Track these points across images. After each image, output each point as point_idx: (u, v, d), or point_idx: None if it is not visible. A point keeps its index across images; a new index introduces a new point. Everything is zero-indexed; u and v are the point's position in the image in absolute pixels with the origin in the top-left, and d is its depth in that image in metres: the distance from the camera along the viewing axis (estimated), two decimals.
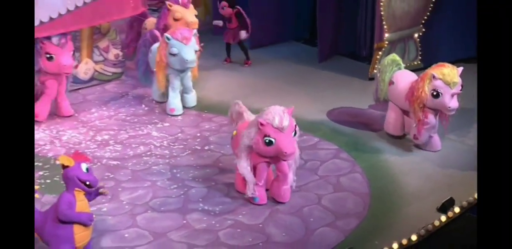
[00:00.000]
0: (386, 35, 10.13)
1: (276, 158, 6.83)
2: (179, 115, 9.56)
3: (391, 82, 8.32)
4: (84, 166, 5.84)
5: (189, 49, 9.11)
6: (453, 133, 8.70)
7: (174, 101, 9.51)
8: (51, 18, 8.95)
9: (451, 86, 7.64)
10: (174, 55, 9.03)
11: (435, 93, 7.69)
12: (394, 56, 8.55)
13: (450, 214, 6.99)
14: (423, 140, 8.14)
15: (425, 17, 10.37)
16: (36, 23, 8.76)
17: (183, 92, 9.64)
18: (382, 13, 9.94)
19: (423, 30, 10.44)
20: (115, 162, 8.12)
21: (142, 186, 7.60)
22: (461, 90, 7.84)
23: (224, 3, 10.80)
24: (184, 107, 9.57)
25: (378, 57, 10.17)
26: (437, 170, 7.98)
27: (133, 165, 8.02)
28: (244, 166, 6.94)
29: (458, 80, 7.68)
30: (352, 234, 6.81)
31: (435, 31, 10.47)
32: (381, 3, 9.87)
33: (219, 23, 11.10)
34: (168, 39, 9.00)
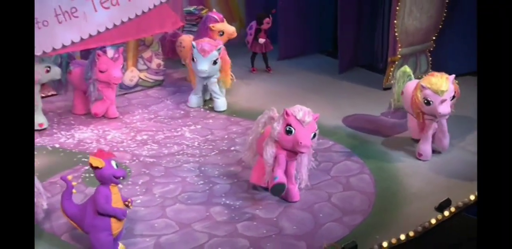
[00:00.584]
0: (400, 49, 10.05)
1: (293, 154, 6.87)
2: (192, 107, 9.80)
3: (402, 92, 8.35)
4: (114, 163, 5.88)
5: (204, 61, 9.20)
6: (456, 140, 8.58)
7: (191, 98, 9.82)
8: (98, 32, 9.05)
9: (439, 94, 7.58)
10: (194, 62, 9.27)
11: (426, 101, 7.68)
12: (405, 68, 8.52)
13: (446, 213, 6.96)
14: (424, 151, 8.11)
15: (436, 34, 10.30)
16: (86, 36, 8.96)
17: (212, 96, 9.77)
18: (396, 30, 9.86)
19: (434, 45, 10.37)
20: (151, 160, 8.19)
21: (173, 181, 7.68)
22: (454, 96, 7.78)
23: (269, 19, 10.85)
24: (214, 111, 9.70)
25: (392, 69, 10.10)
26: (438, 173, 7.91)
27: (167, 163, 8.10)
28: (269, 153, 6.91)
29: (446, 88, 7.60)
30: (356, 229, 6.79)
31: (445, 46, 10.35)
32: (395, 21, 9.81)
33: (262, 41, 11.07)
34: (194, 46, 9.20)
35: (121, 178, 5.94)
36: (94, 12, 8.96)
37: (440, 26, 10.22)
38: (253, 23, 11.10)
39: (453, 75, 7.82)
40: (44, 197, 6.61)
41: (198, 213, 7.05)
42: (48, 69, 8.78)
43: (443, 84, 7.69)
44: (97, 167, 5.86)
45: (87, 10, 8.92)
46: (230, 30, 10.22)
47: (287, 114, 6.65)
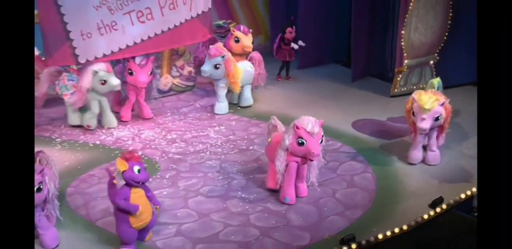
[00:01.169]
0: (406, 61, 10.00)
1: (304, 159, 6.90)
2: (218, 114, 9.76)
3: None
4: (136, 169, 5.95)
5: (208, 63, 9.39)
6: (453, 143, 8.57)
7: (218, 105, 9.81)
8: (135, 43, 9.19)
9: (422, 110, 7.50)
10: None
11: (412, 112, 7.71)
12: (435, 80, 8.40)
13: (438, 209, 6.94)
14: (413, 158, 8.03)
15: (439, 47, 10.22)
16: (123, 46, 9.12)
17: (217, 99, 9.83)
18: (402, 43, 9.83)
19: (437, 58, 10.29)
20: (178, 156, 8.33)
21: (196, 176, 7.80)
22: (438, 118, 7.60)
23: (291, 29, 10.79)
24: (237, 113, 9.84)
25: (398, 79, 10.09)
26: (434, 174, 7.85)
27: (192, 159, 8.24)
28: (281, 161, 6.97)
29: (428, 107, 7.46)
30: (356, 222, 6.83)
31: (447, 58, 10.29)
32: (402, 35, 9.80)
33: (295, 46, 10.97)
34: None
35: (141, 183, 6.04)
36: (131, 25, 9.11)
37: (443, 41, 10.21)
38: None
39: (445, 100, 7.66)
40: (57, 182, 6.65)
41: (216, 205, 7.16)
42: (103, 82, 8.75)
43: (428, 103, 7.55)
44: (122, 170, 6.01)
45: (125, 23, 9.06)
46: (246, 43, 10.19)
47: (297, 127, 6.72)
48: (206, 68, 9.39)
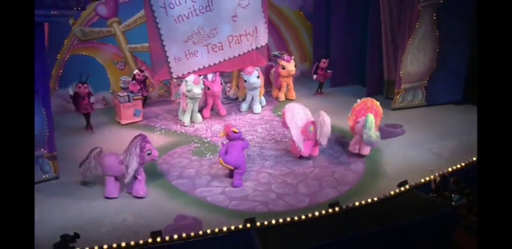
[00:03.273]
0: (403, 85, 9.99)
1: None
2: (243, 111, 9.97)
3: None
4: (233, 130, 7.32)
5: (250, 78, 9.69)
6: (426, 145, 8.52)
7: (243, 106, 10.08)
8: (209, 65, 9.75)
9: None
10: (245, 81, 9.84)
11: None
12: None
13: (402, 189, 7.06)
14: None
15: (429, 75, 10.09)
16: (202, 67, 9.67)
17: (254, 102, 10.00)
18: (401, 73, 9.87)
19: (427, 83, 10.15)
20: None
21: (248, 156, 8.00)
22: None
23: (325, 60, 10.69)
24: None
25: (397, 97, 10.10)
26: (408, 164, 7.89)
27: None
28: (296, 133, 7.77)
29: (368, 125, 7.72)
30: (343, 194, 7.19)
31: (434, 83, 10.14)
32: (401, 67, 9.85)
33: (328, 73, 10.88)
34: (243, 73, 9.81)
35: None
36: (207, 53, 9.76)
37: (431, 71, 10.12)
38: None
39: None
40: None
41: (251, 176, 7.63)
42: (189, 90, 9.19)
43: (370, 122, 7.76)
44: (230, 133, 7.20)
45: (203, 52, 9.71)
46: (290, 68, 10.35)
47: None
48: (252, 80, 9.72)
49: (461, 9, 9.46)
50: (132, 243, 5.87)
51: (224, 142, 7.47)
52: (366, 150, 8.21)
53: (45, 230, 6.17)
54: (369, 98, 8.53)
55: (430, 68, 10.04)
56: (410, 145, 8.60)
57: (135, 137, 7.08)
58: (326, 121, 7.79)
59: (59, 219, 6.54)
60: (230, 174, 7.55)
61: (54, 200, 7.00)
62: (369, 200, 6.81)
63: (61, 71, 9.99)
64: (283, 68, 10.47)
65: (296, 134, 7.84)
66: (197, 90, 9.30)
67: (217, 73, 9.76)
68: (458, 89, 10.13)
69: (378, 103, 8.40)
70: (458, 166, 7.62)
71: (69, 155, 8.07)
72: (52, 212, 6.69)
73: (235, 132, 7.27)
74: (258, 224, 6.22)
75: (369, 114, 7.99)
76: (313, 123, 7.90)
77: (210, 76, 9.66)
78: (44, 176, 7.43)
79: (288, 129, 7.99)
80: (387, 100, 10.55)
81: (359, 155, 8.24)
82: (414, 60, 9.87)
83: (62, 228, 6.14)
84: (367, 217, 6.45)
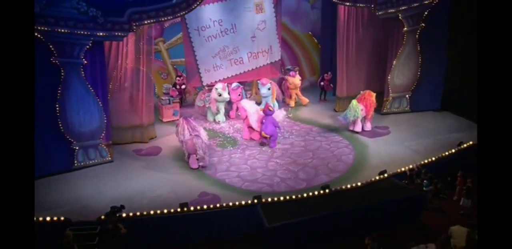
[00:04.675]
0: (391, 94, 10.03)
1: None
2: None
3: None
4: (269, 108, 8.16)
5: (262, 87, 9.72)
6: (407, 143, 8.57)
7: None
8: (232, 75, 9.98)
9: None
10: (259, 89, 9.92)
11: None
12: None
13: (381, 176, 7.15)
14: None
15: (413, 86, 10.06)
16: (225, 77, 9.90)
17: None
18: (389, 84, 9.94)
19: (411, 93, 10.11)
20: None
21: (256, 148, 8.51)
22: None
23: (327, 75, 10.67)
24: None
25: (386, 104, 10.10)
26: (390, 157, 7.98)
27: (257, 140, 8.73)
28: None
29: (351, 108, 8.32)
30: (334, 179, 7.35)
31: (417, 93, 10.09)
32: (389, 80, 9.85)
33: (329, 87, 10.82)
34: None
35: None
36: (230, 66, 10.07)
37: (415, 83, 10.10)
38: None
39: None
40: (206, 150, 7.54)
41: (261, 164, 7.91)
42: (219, 95, 9.34)
43: (351, 106, 8.33)
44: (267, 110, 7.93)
45: (227, 65, 10.03)
46: (296, 82, 10.37)
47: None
48: (264, 91, 9.80)
49: (438, 31, 9.53)
50: (165, 211, 6.33)
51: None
52: (358, 128, 8.96)
53: (101, 201, 6.66)
54: (368, 91, 9.02)
55: (413, 81, 10.16)
56: (393, 142, 8.71)
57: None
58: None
59: (112, 193, 7.01)
60: (262, 143, 8.38)
61: (108, 179, 7.47)
62: (354, 185, 7.02)
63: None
64: (290, 83, 10.54)
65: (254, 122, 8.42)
66: (225, 95, 9.54)
67: (241, 87, 9.88)
68: (437, 98, 10.17)
69: (374, 95, 9.00)
70: (430, 160, 7.79)
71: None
72: (107, 188, 7.15)
73: (270, 110, 8.08)
74: (263, 200, 6.54)
75: (353, 100, 8.87)
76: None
77: (234, 84, 9.84)
78: (102, 160, 7.94)
79: (247, 119, 8.51)
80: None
81: (350, 149, 8.41)
82: (400, 74, 9.95)
83: (114, 199, 6.62)
84: (352, 198, 6.71)
